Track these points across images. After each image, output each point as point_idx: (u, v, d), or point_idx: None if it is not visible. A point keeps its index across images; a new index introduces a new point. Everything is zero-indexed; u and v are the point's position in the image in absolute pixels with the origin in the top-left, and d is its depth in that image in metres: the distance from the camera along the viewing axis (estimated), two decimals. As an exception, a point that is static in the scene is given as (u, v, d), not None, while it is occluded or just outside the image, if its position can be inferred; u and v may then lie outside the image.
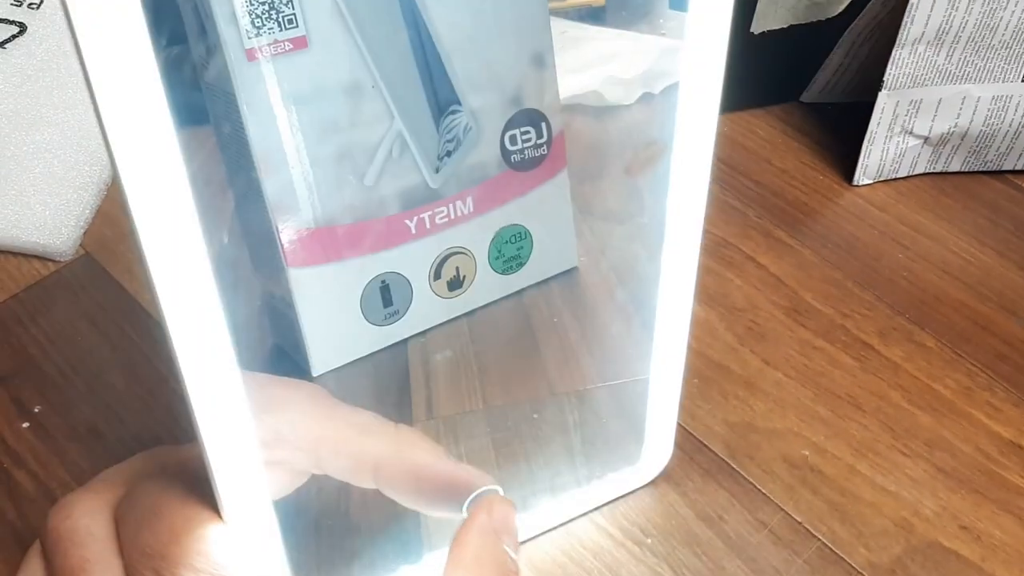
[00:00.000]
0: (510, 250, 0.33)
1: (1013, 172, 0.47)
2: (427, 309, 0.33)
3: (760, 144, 0.47)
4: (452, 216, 0.31)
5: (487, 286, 0.34)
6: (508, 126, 0.31)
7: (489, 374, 0.37)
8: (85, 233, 0.40)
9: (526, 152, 0.31)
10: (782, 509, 0.36)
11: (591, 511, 0.35)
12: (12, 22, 0.45)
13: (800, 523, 0.35)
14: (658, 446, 0.35)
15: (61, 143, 0.41)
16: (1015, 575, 0.35)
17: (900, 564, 0.35)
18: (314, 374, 0.35)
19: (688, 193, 0.28)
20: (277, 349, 0.36)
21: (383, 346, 0.35)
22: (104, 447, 0.35)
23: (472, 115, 0.30)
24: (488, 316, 0.37)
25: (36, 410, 0.36)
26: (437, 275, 0.32)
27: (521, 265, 0.34)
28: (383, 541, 0.32)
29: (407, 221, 0.31)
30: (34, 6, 0.46)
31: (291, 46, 0.30)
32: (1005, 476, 0.37)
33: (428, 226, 0.31)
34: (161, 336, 0.21)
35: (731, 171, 0.46)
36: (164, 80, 0.18)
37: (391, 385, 0.36)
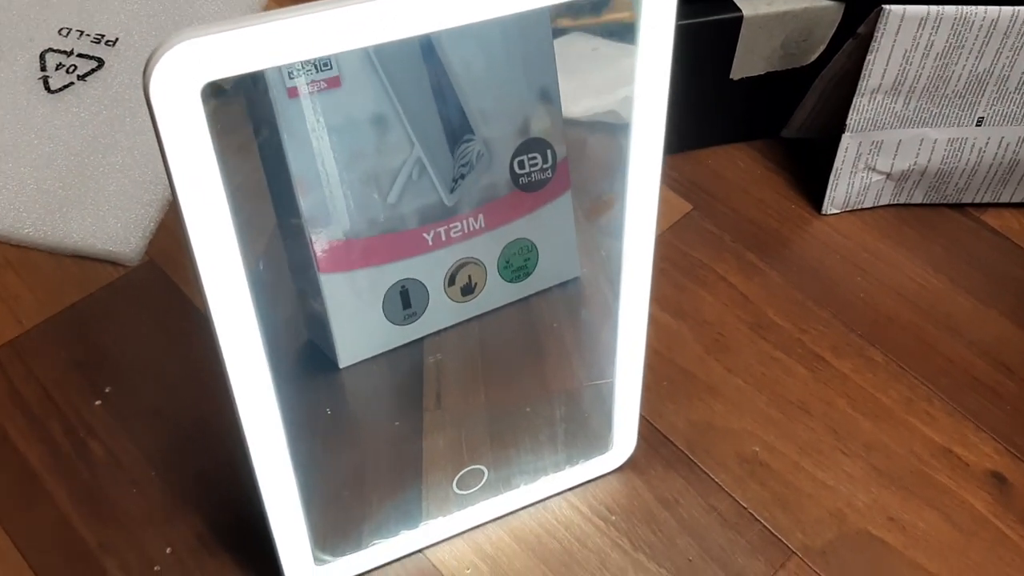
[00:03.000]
0: (518, 261, 0.36)
1: (973, 205, 0.52)
2: (442, 312, 0.37)
3: (740, 176, 0.53)
4: (465, 231, 0.35)
5: (497, 293, 0.37)
6: (517, 152, 0.34)
7: (493, 372, 0.43)
8: (150, 243, 0.47)
9: (533, 175, 0.35)
10: (731, 496, 0.41)
11: (566, 491, 0.41)
12: (92, 57, 0.52)
13: (746, 509, 0.41)
14: (624, 438, 0.41)
15: (131, 165, 0.48)
16: (934, 562, 0.40)
17: (831, 547, 0.40)
18: (340, 366, 0.39)
19: (640, 228, 0.34)
20: (310, 344, 0.42)
21: (402, 343, 0.39)
22: (162, 422, 0.42)
23: (484, 143, 0.33)
24: (496, 320, 0.42)
25: (107, 391, 0.43)
26: (451, 282, 0.36)
27: (528, 275, 0.37)
28: (388, 509, 0.39)
29: (425, 234, 0.35)
30: (111, 43, 0.53)
31: (326, 85, 0.36)
32: (934, 476, 0.43)
33: (443, 239, 0.35)
34: (210, 333, 0.28)
35: (712, 200, 0.51)
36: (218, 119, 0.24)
37: (408, 379, 0.42)
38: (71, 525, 0.39)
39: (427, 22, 0.26)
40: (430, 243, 0.35)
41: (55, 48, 0.52)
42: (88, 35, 0.53)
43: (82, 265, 0.47)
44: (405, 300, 0.37)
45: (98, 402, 0.42)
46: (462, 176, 0.35)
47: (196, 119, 0.24)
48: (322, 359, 0.40)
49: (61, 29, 0.53)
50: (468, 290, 0.37)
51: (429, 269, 0.36)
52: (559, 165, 0.35)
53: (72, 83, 0.51)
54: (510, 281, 0.38)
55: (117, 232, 0.46)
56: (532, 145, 0.35)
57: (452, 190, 0.35)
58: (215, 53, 0.24)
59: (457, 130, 0.35)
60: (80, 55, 0.52)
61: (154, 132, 0.25)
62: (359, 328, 0.38)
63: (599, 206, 0.37)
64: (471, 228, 0.36)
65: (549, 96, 0.36)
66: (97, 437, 0.41)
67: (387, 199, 0.35)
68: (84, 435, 0.41)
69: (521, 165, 0.35)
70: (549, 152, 0.35)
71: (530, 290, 0.39)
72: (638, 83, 0.31)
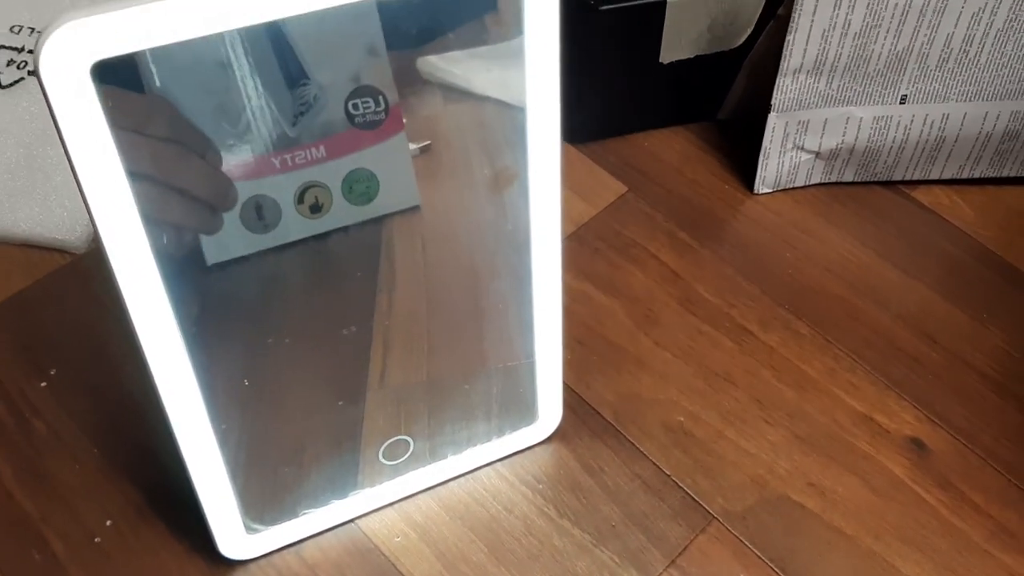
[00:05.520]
0: (360, 187, 0.40)
1: (903, 182, 0.54)
2: (295, 225, 0.40)
3: (675, 157, 0.54)
4: (309, 159, 0.38)
5: (343, 213, 0.41)
6: (351, 96, 0.38)
7: (436, 352, 0.44)
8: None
9: (367, 116, 0.38)
10: (655, 464, 0.43)
11: (494, 462, 0.43)
12: (43, 53, 0.54)
13: (669, 476, 0.42)
14: (549, 410, 0.42)
15: (79, 156, 0.50)
16: (851, 524, 0.41)
17: (751, 512, 0.42)
18: (207, 263, 0.42)
19: (544, 208, 0.36)
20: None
21: (260, 249, 0.41)
22: (104, 402, 0.43)
23: (320, 87, 0.37)
24: (446, 302, 0.44)
25: (52, 372, 0.44)
26: (300, 200, 0.40)
27: (371, 200, 0.41)
28: (318, 480, 0.40)
29: (273, 159, 0.38)
30: (62, 39, 0.55)
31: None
32: (854, 443, 0.44)
33: (290, 164, 0.38)
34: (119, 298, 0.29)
35: (646, 180, 0.53)
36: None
37: (355, 358, 0.44)
38: (15, 499, 0.40)
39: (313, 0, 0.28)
40: (278, 166, 0.39)
41: (7, 45, 0.54)
42: (39, 32, 0.55)
43: (29, 253, 0.48)
44: (260, 213, 0.41)
45: (43, 383, 0.44)
46: (302, 113, 0.39)
47: (88, 97, 0.26)
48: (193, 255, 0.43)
49: (13, 26, 0.55)
50: (316, 208, 0.41)
51: (279, 188, 0.40)
52: (392, 109, 0.39)
53: (23, 78, 0.53)
54: (354, 204, 0.42)
55: (64, 221, 0.48)
56: (364, 91, 0.39)
57: (294, 124, 0.39)
58: (101, 33, 0.25)
59: (294, 75, 0.39)
60: (31, 51, 0.54)
61: (48, 111, 0.26)
62: (221, 234, 0.41)
63: (503, 179, 0.38)
64: (314, 156, 0.39)
65: (376, 52, 0.39)
66: (41, 416, 0.43)
67: (236, 129, 0.38)
68: (28, 415, 0.43)
69: (356, 107, 0.39)
70: (381, 98, 0.39)
71: (374, 213, 0.43)
72: (528, 65, 0.32)
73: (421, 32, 0.38)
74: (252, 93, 0.36)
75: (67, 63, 0.25)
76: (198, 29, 0.27)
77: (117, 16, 0.25)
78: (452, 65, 0.38)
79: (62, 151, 0.50)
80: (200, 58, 0.36)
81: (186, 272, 0.34)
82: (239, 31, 0.33)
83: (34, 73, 0.53)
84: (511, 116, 0.38)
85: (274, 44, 0.35)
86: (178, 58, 0.34)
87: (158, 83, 0.34)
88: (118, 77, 0.27)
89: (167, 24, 0.26)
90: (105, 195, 0.28)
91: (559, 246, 0.37)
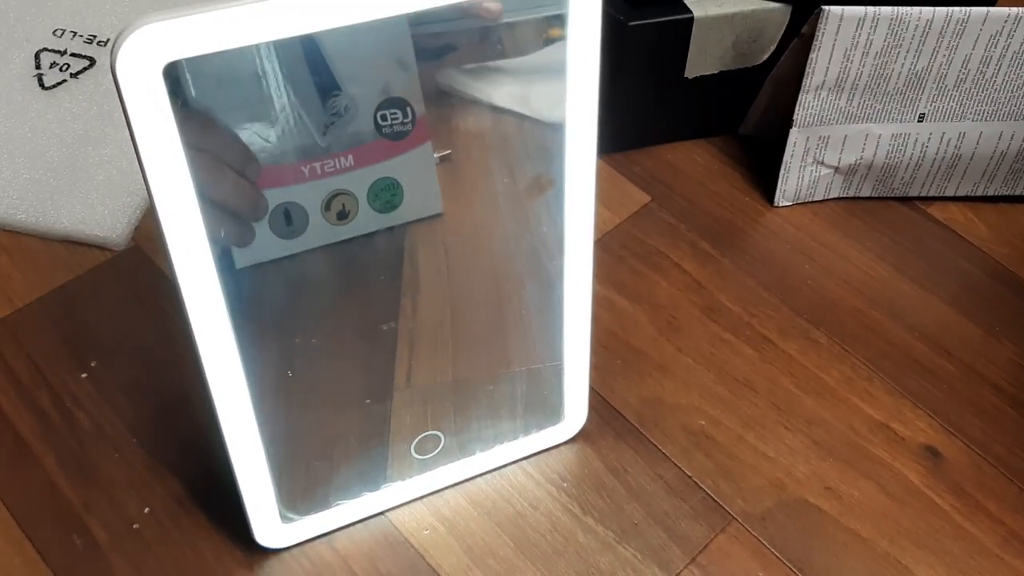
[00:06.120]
0: (385, 195, 0.41)
1: (919, 198, 0.55)
2: (322, 231, 0.41)
3: (698, 170, 0.55)
4: (337, 167, 0.39)
5: (368, 220, 0.42)
6: (379, 108, 0.38)
7: (461, 354, 0.46)
8: (136, 229, 0.50)
9: (395, 127, 0.39)
10: (677, 466, 0.44)
11: (521, 460, 0.44)
12: (85, 57, 0.55)
13: (690, 477, 0.44)
14: (575, 411, 0.44)
15: (119, 157, 0.51)
16: (866, 527, 0.43)
17: (770, 514, 0.43)
18: (236, 267, 0.43)
19: (579, 216, 0.37)
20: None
21: (289, 253, 0.42)
22: (143, 395, 0.45)
23: (351, 98, 0.38)
24: (469, 306, 0.45)
25: (92, 365, 0.45)
26: (327, 208, 0.41)
27: (395, 207, 0.41)
28: (351, 472, 0.41)
29: (302, 168, 0.39)
30: (102, 43, 0.56)
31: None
32: (870, 449, 0.45)
33: (319, 172, 0.39)
34: (178, 301, 0.31)
35: (670, 191, 0.54)
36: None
37: (382, 357, 0.45)
38: (58, 488, 0.42)
39: (371, 8, 0.29)
40: (307, 175, 0.40)
41: (50, 48, 0.56)
42: (81, 35, 0.56)
43: (71, 249, 0.50)
44: (288, 219, 0.42)
45: (84, 375, 0.45)
46: (332, 123, 0.40)
47: (159, 95, 0.27)
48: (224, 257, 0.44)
49: (56, 30, 0.57)
50: (343, 215, 0.42)
51: (307, 195, 0.41)
52: (418, 120, 0.40)
53: (65, 80, 0.54)
54: (379, 211, 0.43)
55: (105, 219, 0.49)
56: (393, 103, 0.40)
57: (324, 133, 0.40)
58: (173, 36, 0.27)
59: (326, 86, 0.40)
60: (73, 54, 0.55)
61: (121, 107, 0.28)
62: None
63: (532, 188, 0.40)
64: (342, 165, 0.41)
65: (406, 64, 0.40)
66: (83, 408, 0.44)
67: (269, 139, 0.39)
68: (71, 406, 0.44)
69: (384, 118, 0.40)
70: (408, 109, 0.40)
71: (397, 220, 0.44)
72: (569, 77, 0.34)
73: (448, 46, 0.39)
74: (285, 104, 0.38)
75: (142, 63, 0.27)
76: (263, 34, 0.28)
77: (189, 21, 0.27)
78: (473, 78, 0.40)
79: (103, 151, 0.52)
80: (235, 69, 0.37)
81: (219, 273, 0.35)
82: (274, 43, 0.34)
83: (75, 76, 0.55)
84: (532, 128, 0.40)
85: (308, 55, 0.36)
86: (213, 69, 0.36)
87: (194, 94, 0.36)
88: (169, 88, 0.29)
89: (234, 29, 0.28)
90: (170, 189, 0.29)
91: (591, 254, 0.39)
